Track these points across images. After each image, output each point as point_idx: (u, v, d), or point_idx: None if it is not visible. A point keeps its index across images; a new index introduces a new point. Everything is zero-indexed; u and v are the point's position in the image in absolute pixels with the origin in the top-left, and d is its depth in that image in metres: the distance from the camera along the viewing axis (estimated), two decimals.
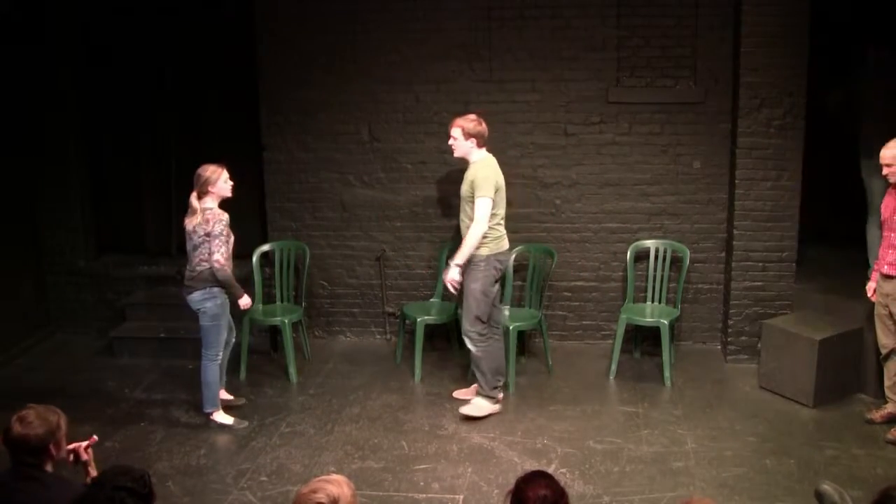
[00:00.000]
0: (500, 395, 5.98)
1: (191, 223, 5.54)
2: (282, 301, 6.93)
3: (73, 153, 7.39)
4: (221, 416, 5.84)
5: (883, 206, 5.47)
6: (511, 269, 6.76)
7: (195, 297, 5.59)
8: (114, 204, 7.69)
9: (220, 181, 5.52)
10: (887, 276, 5.43)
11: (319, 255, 7.16)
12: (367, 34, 6.78)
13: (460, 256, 5.65)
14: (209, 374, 5.74)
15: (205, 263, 5.51)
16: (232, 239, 5.64)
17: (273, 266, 6.96)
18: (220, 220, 5.48)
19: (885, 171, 5.29)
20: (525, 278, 6.80)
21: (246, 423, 5.82)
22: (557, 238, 6.93)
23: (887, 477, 4.88)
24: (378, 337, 7.35)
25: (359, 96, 6.90)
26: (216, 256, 5.47)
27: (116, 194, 7.67)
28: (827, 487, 4.19)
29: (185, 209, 5.70)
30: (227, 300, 5.67)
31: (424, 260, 7.11)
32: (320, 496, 2.66)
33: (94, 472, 3.62)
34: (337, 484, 2.72)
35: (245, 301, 5.69)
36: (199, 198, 5.52)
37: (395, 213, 7.09)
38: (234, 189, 5.31)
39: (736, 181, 6.45)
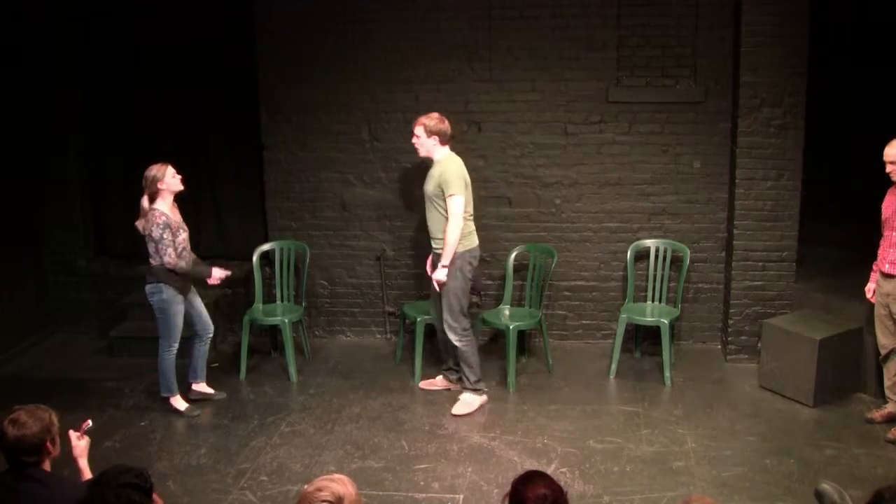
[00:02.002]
0: (484, 387, 6.07)
1: (140, 224, 5.77)
2: (282, 301, 6.93)
3: (73, 153, 7.39)
4: (177, 402, 6.03)
5: (885, 206, 5.46)
6: (511, 269, 6.77)
7: (146, 290, 5.85)
8: (114, 203, 7.68)
9: (168, 177, 5.72)
10: (888, 276, 5.42)
11: (319, 255, 7.16)
12: (368, 34, 6.78)
13: (446, 257, 5.76)
14: (163, 363, 5.94)
15: (152, 260, 5.75)
16: (182, 235, 5.78)
17: (273, 266, 6.96)
18: (157, 224, 5.65)
19: (888, 168, 5.28)
20: (525, 278, 6.80)
21: (198, 413, 5.98)
22: (557, 237, 6.93)
23: (887, 476, 4.88)
24: (378, 336, 7.35)
25: (359, 96, 6.90)
26: (166, 259, 5.68)
27: (116, 194, 7.66)
28: (827, 487, 4.17)
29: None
30: (179, 296, 5.83)
31: (424, 259, 7.08)
32: (325, 494, 2.65)
33: (85, 468, 3.61)
34: (341, 483, 2.71)
35: (217, 273, 5.91)
36: (152, 199, 5.71)
37: (395, 213, 7.09)
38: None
39: (736, 181, 6.45)
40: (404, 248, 7.15)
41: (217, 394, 6.26)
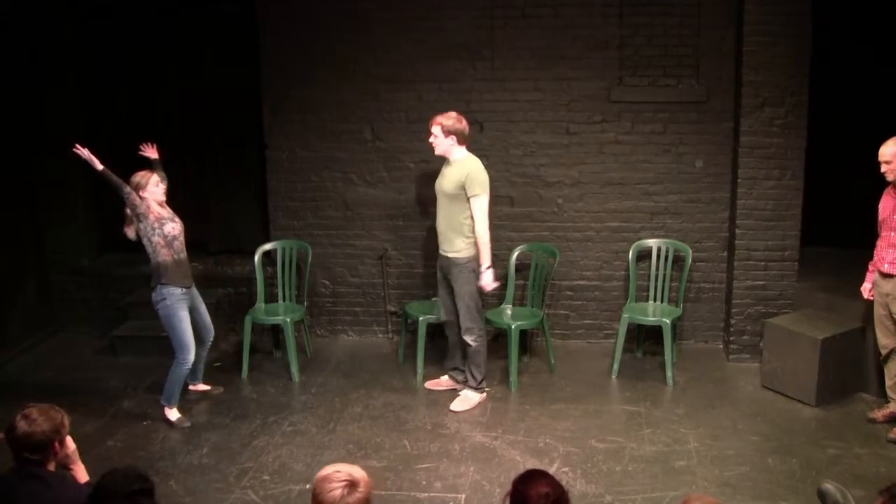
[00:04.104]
0: (486, 385, 6.12)
1: (129, 231, 5.77)
2: (284, 300, 6.94)
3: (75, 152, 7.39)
4: (171, 413, 5.87)
5: (881, 206, 5.46)
6: (513, 268, 6.77)
7: (152, 299, 5.76)
8: (116, 203, 7.67)
9: (151, 185, 5.69)
10: (887, 275, 5.42)
11: (322, 254, 7.17)
12: (370, 33, 6.79)
13: (486, 259, 5.79)
14: (173, 374, 5.81)
15: (151, 260, 5.71)
16: (168, 226, 5.69)
17: (275, 265, 6.96)
18: (144, 219, 5.63)
19: (883, 168, 5.28)
20: (527, 277, 6.80)
21: (188, 424, 5.82)
22: (560, 237, 6.93)
23: (889, 476, 4.87)
24: (380, 336, 7.35)
25: (361, 95, 6.91)
26: (155, 239, 5.63)
27: (118, 193, 7.66)
28: (829, 486, 4.18)
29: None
30: (182, 301, 5.73)
31: (427, 259, 7.11)
32: (342, 475, 2.75)
33: (80, 472, 3.61)
34: (356, 468, 2.82)
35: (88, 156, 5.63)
36: None
37: (397, 212, 7.10)
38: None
39: (738, 180, 6.45)
40: (406, 247, 7.15)
41: (215, 388, 6.30)
